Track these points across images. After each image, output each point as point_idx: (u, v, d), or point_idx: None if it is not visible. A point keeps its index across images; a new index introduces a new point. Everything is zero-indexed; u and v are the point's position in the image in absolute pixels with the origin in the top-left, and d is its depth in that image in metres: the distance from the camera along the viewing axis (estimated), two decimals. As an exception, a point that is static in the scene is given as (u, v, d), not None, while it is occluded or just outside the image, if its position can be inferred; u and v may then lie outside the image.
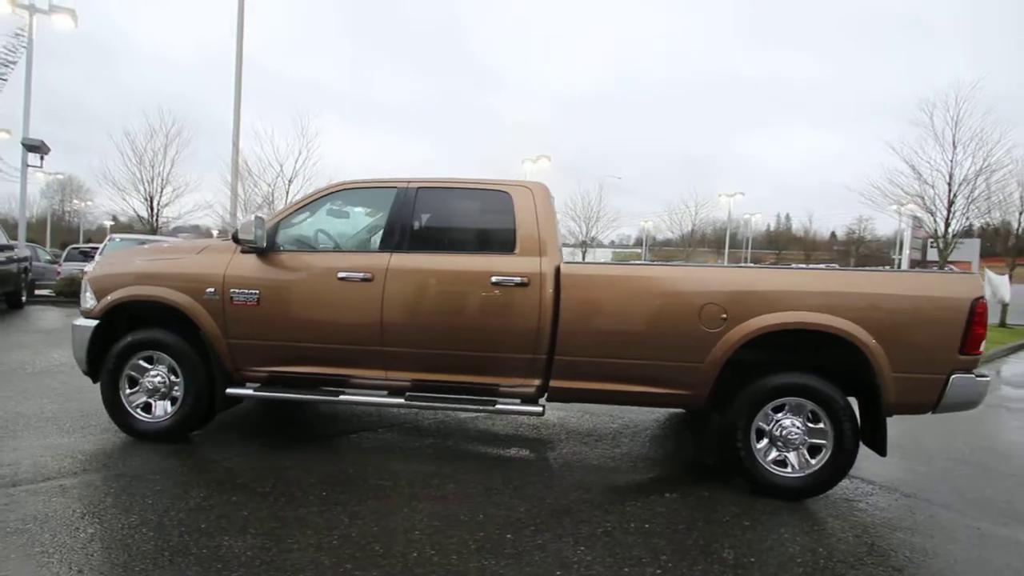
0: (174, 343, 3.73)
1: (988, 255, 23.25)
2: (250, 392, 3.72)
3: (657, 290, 3.46)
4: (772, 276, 3.61)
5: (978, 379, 3.25)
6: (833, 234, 63.94)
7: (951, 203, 15.88)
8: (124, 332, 3.79)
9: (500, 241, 3.65)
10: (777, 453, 3.37)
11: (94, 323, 3.79)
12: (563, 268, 3.50)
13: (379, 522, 2.82)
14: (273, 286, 3.66)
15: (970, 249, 20.23)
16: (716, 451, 3.59)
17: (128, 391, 3.80)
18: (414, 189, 3.73)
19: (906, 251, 20.96)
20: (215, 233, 24.07)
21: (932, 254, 19.61)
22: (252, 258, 3.72)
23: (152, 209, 20.20)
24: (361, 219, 4.16)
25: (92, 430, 3.98)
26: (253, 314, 3.65)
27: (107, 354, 3.76)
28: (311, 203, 3.88)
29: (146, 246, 5.28)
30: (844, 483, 3.47)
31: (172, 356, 3.74)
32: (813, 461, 3.33)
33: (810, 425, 3.34)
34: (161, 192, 20.38)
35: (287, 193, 19.88)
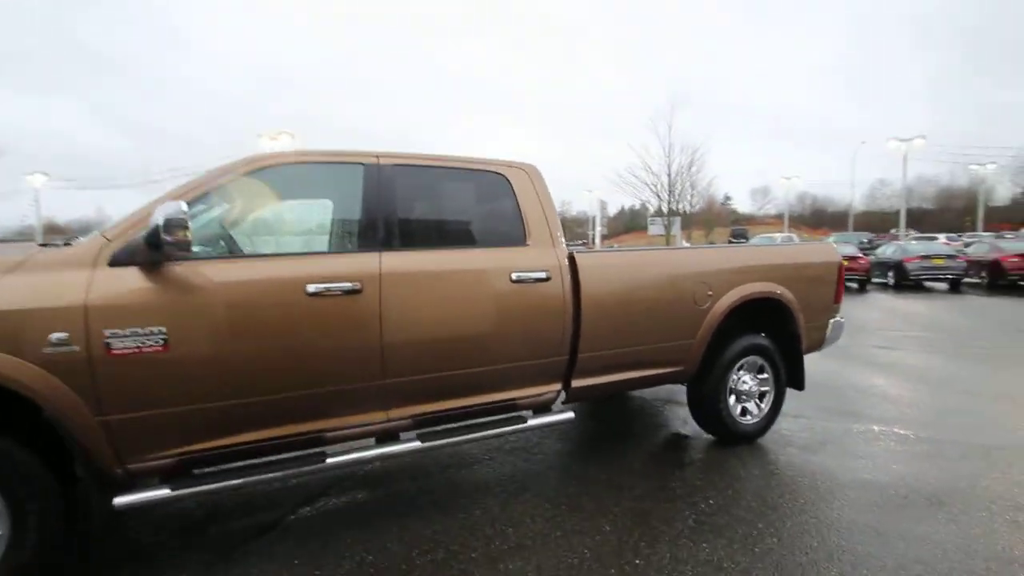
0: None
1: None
2: (163, 493, 2.24)
3: (663, 273, 3.47)
4: (738, 253, 3.96)
5: (841, 321, 4.37)
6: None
7: (671, 190, 22.14)
8: None
9: (507, 232, 3.06)
10: (741, 406, 3.87)
11: None
12: (578, 258, 3.18)
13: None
14: (191, 317, 2.25)
15: (675, 224, 27.41)
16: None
17: None
18: (389, 167, 2.79)
19: (597, 228, 26.59)
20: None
21: (653, 228, 26.60)
22: (134, 274, 2.21)
23: None
24: (307, 207, 2.88)
25: None
26: (157, 365, 2.18)
27: None
28: (220, 185, 2.49)
29: None
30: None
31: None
32: (763, 405, 3.94)
33: (758, 376, 3.93)
34: None
35: None
